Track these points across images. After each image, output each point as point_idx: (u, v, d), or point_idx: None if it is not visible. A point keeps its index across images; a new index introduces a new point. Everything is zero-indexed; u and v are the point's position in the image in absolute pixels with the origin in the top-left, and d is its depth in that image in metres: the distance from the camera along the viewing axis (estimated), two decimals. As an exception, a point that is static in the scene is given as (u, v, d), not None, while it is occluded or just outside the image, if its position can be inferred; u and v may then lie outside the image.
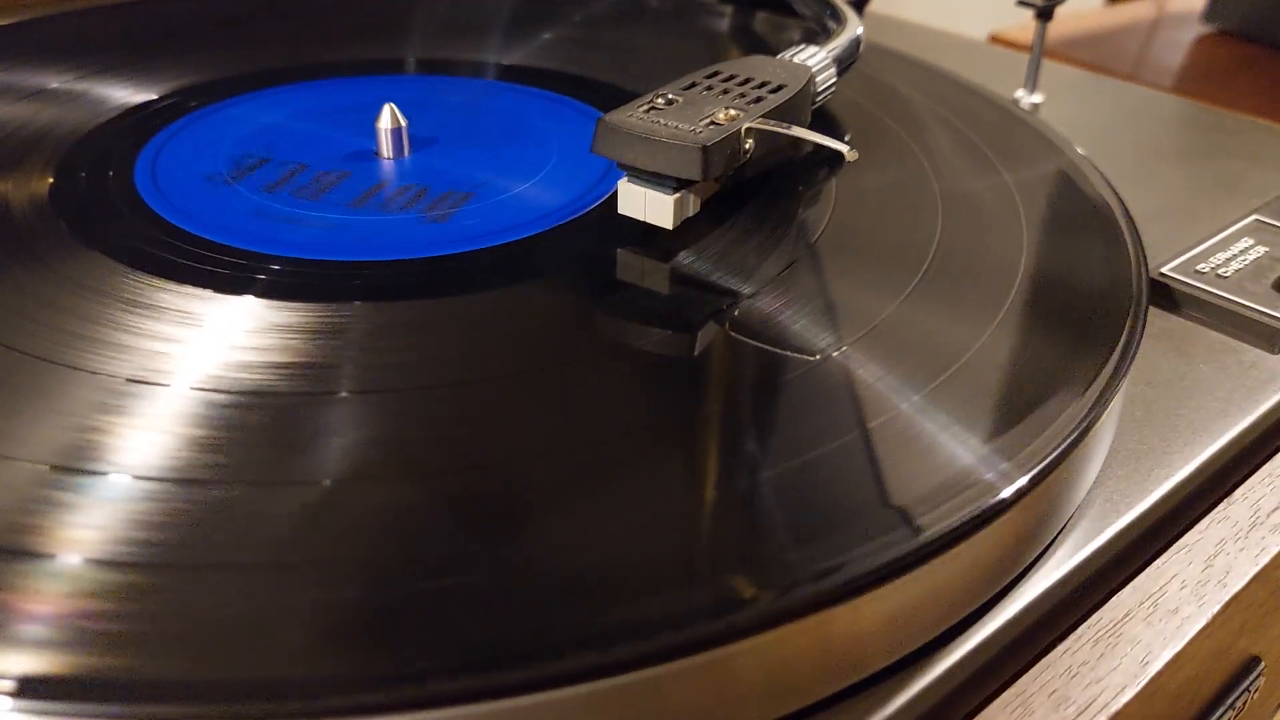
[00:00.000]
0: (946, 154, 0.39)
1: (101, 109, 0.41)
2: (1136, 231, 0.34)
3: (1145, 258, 0.33)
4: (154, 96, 0.42)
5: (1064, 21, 0.83)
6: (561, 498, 0.23)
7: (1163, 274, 0.37)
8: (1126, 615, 0.27)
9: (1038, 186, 0.37)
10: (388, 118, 0.38)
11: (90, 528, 0.22)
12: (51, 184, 0.36)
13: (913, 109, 0.43)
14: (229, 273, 0.31)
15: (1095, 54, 0.76)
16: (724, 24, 0.55)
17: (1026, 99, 0.50)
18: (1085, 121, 0.51)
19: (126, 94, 0.42)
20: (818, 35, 0.44)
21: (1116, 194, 0.37)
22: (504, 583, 0.21)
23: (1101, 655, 0.25)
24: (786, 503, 0.23)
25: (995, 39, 0.78)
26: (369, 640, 0.20)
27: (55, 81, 0.43)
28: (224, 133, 0.40)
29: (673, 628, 0.20)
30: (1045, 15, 0.48)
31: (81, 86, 0.43)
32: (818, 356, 0.28)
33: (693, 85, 0.34)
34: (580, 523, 0.23)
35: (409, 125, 0.38)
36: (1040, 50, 0.49)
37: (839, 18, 0.43)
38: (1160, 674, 0.25)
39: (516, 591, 0.21)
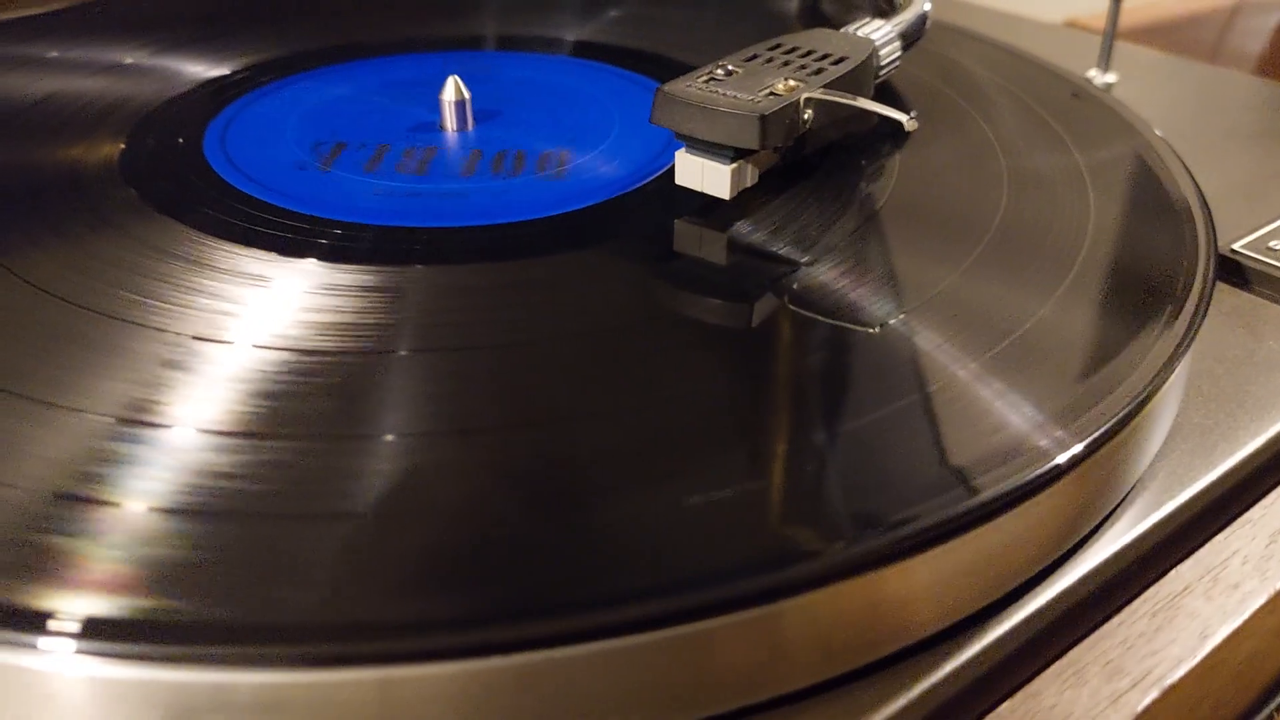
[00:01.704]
0: (1014, 129, 0.39)
1: (174, 83, 0.42)
2: (1207, 207, 0.34)
3: (1215, 233, 0.32)
4: (226, 71, 0.43)
5: (1143, 9, 0.81)
6: (622, 455, 0.24)
7: (1234, 250, 0.36)
8: (1185, 589, 0.26)
9: (1106, 161, 0.36)
10: (451, 90, 0.38)
11: (154, 478, 0.22)
12: (123, 151, 0.36)
13: (981, 86, 0.43)
14: (291, 236, 0.31)
15: (1173, 40, 0.75)
16: (795, 3, 0.55)
17: (1100, 78, 0.49)
18: (1159, 102, 0.50)
19: (199, 69, 0.43)
20: (888, 13, 0.44)
21: (1188, 170, 0.36)
22: (563, 534, 0.21)
23: (1159, 628, 0.25)
24: (841, 464, 0.23)
25: (1073, 24, 0.77)
26: (433, 586, 0.20)
27: (130, 57, 0.44)
28: (293, 105, 0.40)
29: (722, 582, 0.20)
30: (1119, -7, 0.47)
31: (154, 62, 0.44)
32: (878, 330, 0.27)
33: (754, 57, 0.34)
34: (641, 479, 0.23)
35: (472, 98, 0.39)
36: (1114, 28, 0.48)
37: (905, -8, 0.42)
38: (1219, 649, 0.25)
39: (574, 543, 0.21)
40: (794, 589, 0.21)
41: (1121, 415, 0.25)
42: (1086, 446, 0.24)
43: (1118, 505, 0.26)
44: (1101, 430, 0.24)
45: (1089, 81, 0.46)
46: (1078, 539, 0.25)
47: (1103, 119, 0.40)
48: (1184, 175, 0.36)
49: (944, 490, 0.22)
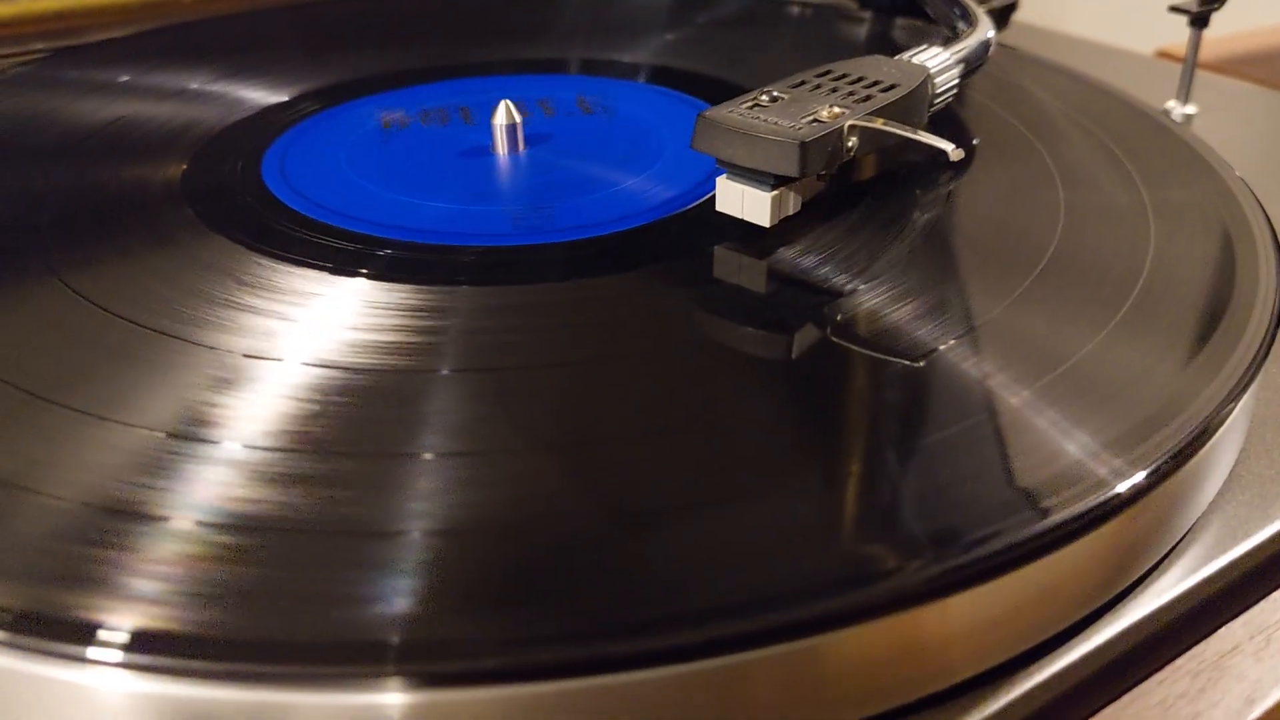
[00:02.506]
0: (1078, 161, 0.37)
1: (237, 108, 0.43)
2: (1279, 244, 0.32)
3: (1284, 271, 0.31)
4: (285, 98, 0.44)
5: (1240, 39, 0.79)
6: (661, 479, 0.23)
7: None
8: (1234, 648, 0.25)
9: (1173, 195, 0.35)
10: (503, 113, 0.38)
11: (202, 493, 0.22)
12: (184, 172, 0.37)
13: (1050, 115, 0.42)
14: (344, 255, 0.32)
15: (1272, 70, 0.72)
16: (864, 30, 0.54)
17: (1179, 110, 0.47)
18: (1243, 136, 0.48)
19: (261, 94, 0.44)
20: (951, 40, 0.43)
21: (1263, 209, 0.34)
22: (612, 556, 0.21)
23: (1202, 689, 0.24)
24: (880, 498, 0.22)
25: (1164, 54, 0.74)
26: (484, 607, 0.20)
27: (195, 82, 0.45)
28: (347, 130, 0.41)
29: (757, 614, 0.20)
30: (1200, 22, 0.45)
31: (219, 87, 0.44)
32: (921, 364, 0.26)
33: (801, 83, 0.33)
34: (677, 506, 0.22)
35: (523, 121, 0.39)
36: (1194, 58, 0.46)
37: (970, 19, 0.41)
38: (1267, 715, 0.23)
39: (624, 567, 0.21)
40: (827, 624, 0.20)
41: (1182, 446, 0.23)
42: (1148, 476, 0.23)
43: (1167, 554, 0.25)
44: (1162, 460, 0.23)
45: (1166, 114, 0.45)
46: (1123, 588, 0.24)
47: (1175, 152, 0.38)
48: (1257, 213, 0.34)
49: (996, 519, 0.21)
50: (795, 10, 0.57)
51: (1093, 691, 0.23)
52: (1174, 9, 0.45)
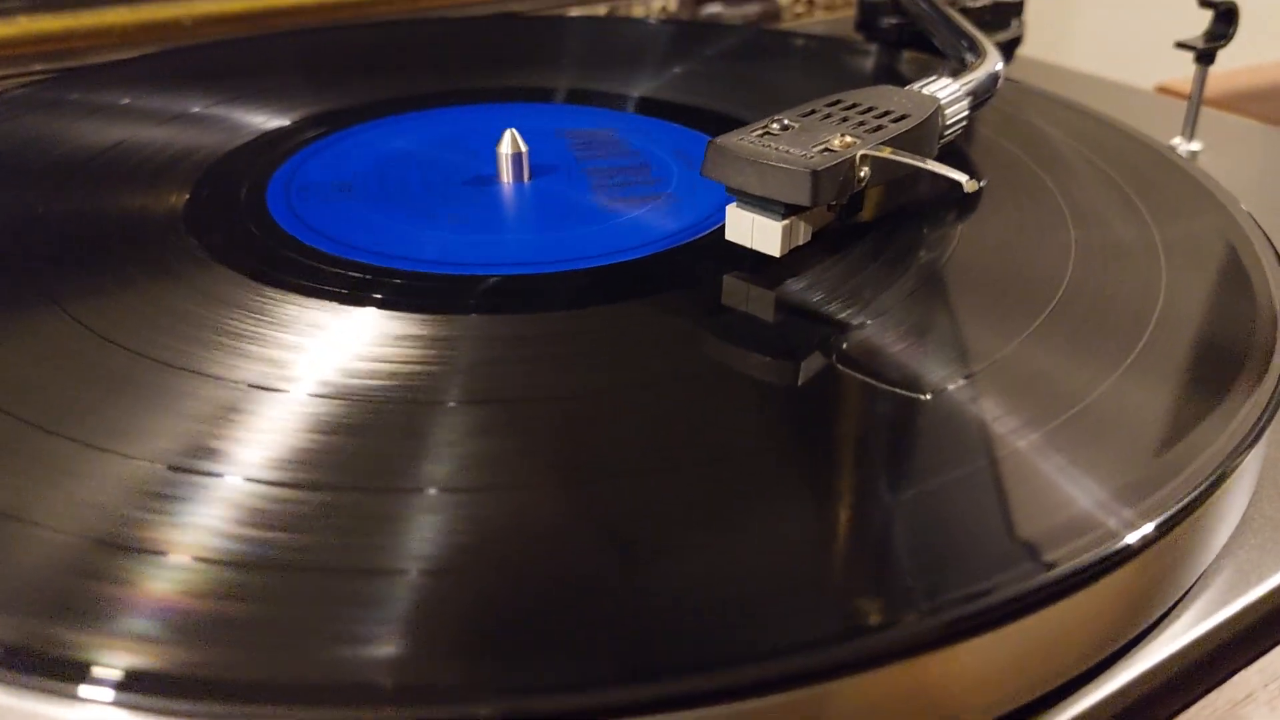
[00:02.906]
0: (1086, 196, 0.37)
1: (238, 133, 0.42)
2: (1291, 284, 0.32)
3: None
4: (286, 122, 0.43)
5: (1240, 75, 0.79)
6: (664, 517, 0.23)
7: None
8: (1248, 696, 0.24)
9: (1183, 232, 0.35)
10: (509, 143, 0.38)
11: (202, 528, 0.22)
12: (187, 202, 0.37)
13: (1057, 150, 0.41)
14: (349, 285, 0.31)
15: (1273, 107, 0.72)
16: (870, 63, 0.54)
17: (1184, 146, 0.47)
18: (1247, 171, 0.48)
19: (262, 119, 0.43)
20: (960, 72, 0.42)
21: (1272, 245, 0.34)
22: (609, 602, 0.20)
23: (1220, 737, 0.23)
24: (884, 542, 0.22)
25: (1164, 90, 0.75)
26: (476, 651, 0.20)
27: (196, 106, 0.45)
28: (354, 156, 0.40)
29: (758, 661, 0.19)
30: (1206, 59, 0.45)
31: (220, 111, 0.44)
32: (928, 396, 0.26)
33: (811, 112, 0.33)
34: (679, 545, 0.22)
35: (529, 151, 0.38)
36: (1199, 96, 0.46)
37: (978, 51, 0.41)
38: (1286, 763, 0.23)
39: (619, 613, 0.20)
40: (834, 672, 0.20)
41: (1194, 496, 0.23)
42: (1157, 527, 0.22)
43: (1179, 600, 0.25)
44: (1173, 510, 0.22)
45: (1173, 150, 0.45)
46: (1133, 635, 0.23)
47: (1183, 189, 0.38)
48: (1268, 251, 0.34)
49: (998, 570, 0.21)
50: (800, 43, 0.57)
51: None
52: (1180, 45, 0.45)
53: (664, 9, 0.71)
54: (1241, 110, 0.70)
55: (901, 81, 0.37)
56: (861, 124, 0.32)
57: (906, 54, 0.54)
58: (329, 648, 0.19)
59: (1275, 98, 0.75)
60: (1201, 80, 0.46)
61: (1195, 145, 0.47)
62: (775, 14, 0.75)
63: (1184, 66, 0.57)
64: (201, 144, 0.41)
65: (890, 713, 0.20)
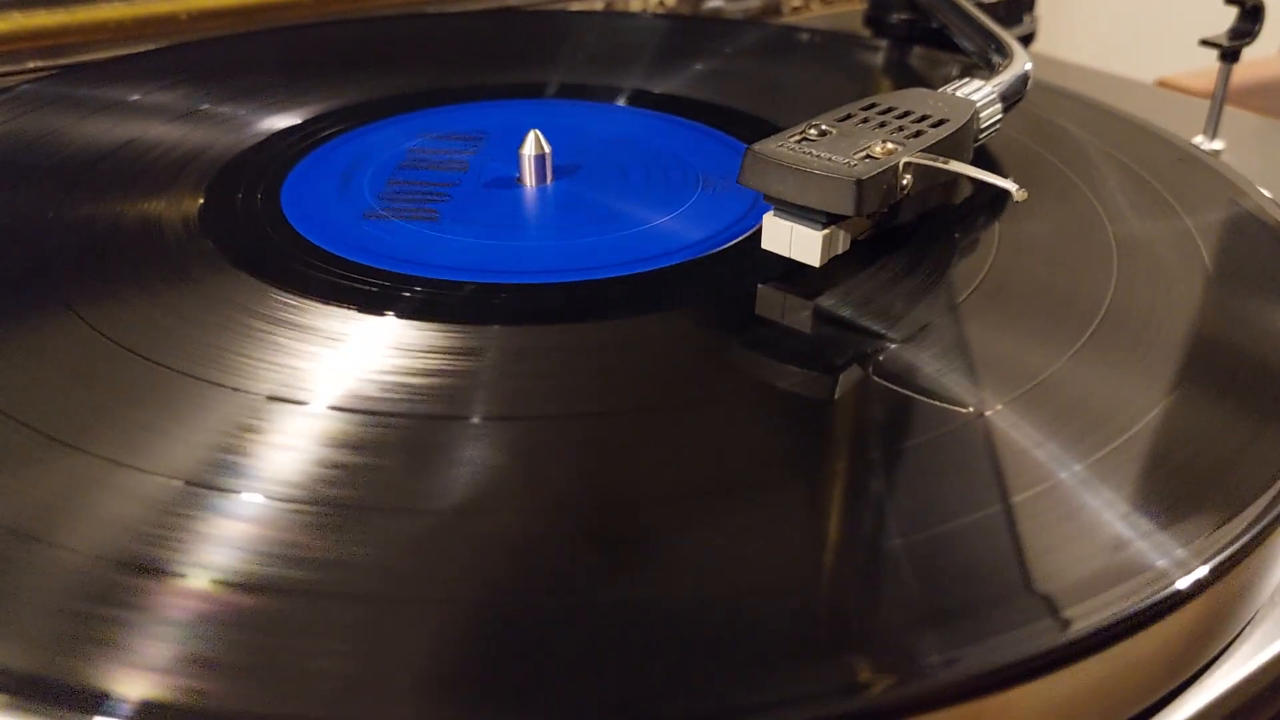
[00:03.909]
0: (1121, 199, 0.36)
1: (251, 131, 0.41)
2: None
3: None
4: (299, 121, 0.42)
5: (1237, 70, 0.78)
6: (680, 548, 0.22)
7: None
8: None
9: (1224, 237, 0.34)
10: (532, 144, 0.37)
11: (217, 548, 0.21)
12: (201, 205, 0.36)
13: (1083, 150, 0.41)
14: (369, 292, 0.30)
15: (1274, 102, 0.72)
16: (880, 59, 0.53)
17: (1207, 145, 0.47)
18: (1270, 169, 0.48)
19: (275, 118, 0.42)
20: (978, 70, 0.42)
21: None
22: (615, 640, 0.20)
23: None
24: (925, 576, 0.21)
25: (1164, 84, 0.74)
26: (470, 685, 0.19)
27: (206, 104, 0.43)
28: (369, 156, 0.39)
29: (785, 708, 0.18)
30: (1231, 57, 0.45)
31: (230, 109, 0.43)
32: (970, 409, 0.25)
33: (848, 117, 0.32)
34: (691, 580, 0.21)
35: (553, 152, 0.37)
36: (1223, 94, 0.46)
37: (1005, 51, 0.40)
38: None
39: (626, 648, 0.19)
40: (869, 718, 0.19)
41: (1252, 535, 0.22)
42: (1213, 570, 0.21)
43: (1240, 631, 0.24)
44: (1230, 550, 0.22)
45: (1196, 148, 0.44)
46: (1193, 671, 0.23)
47: (1217, 189, 0.38)
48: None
49: (1042, 617, 0.20)
50: (807, 38, 0.56)
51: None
52: (1205, 43, 0.44)
53: (661, 2, 0.70)
54: (1239, 104, 0.70)
55: (913, 77, 0.36)
56: (900, 129, 0.32)
57: (917, 50, 0.53)
58: (346, 677, 0.19)
59: (1272, 92, 0.75)
60: (1226, 77, 0.45)
61: (1218, 144, 0.46)
62: (775, 8, 0.74)
63: (1183, 61, 0.57)
64: (214, 142, 0.40)
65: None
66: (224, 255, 0.32)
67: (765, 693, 0.19)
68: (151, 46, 0.53)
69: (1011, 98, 0.37)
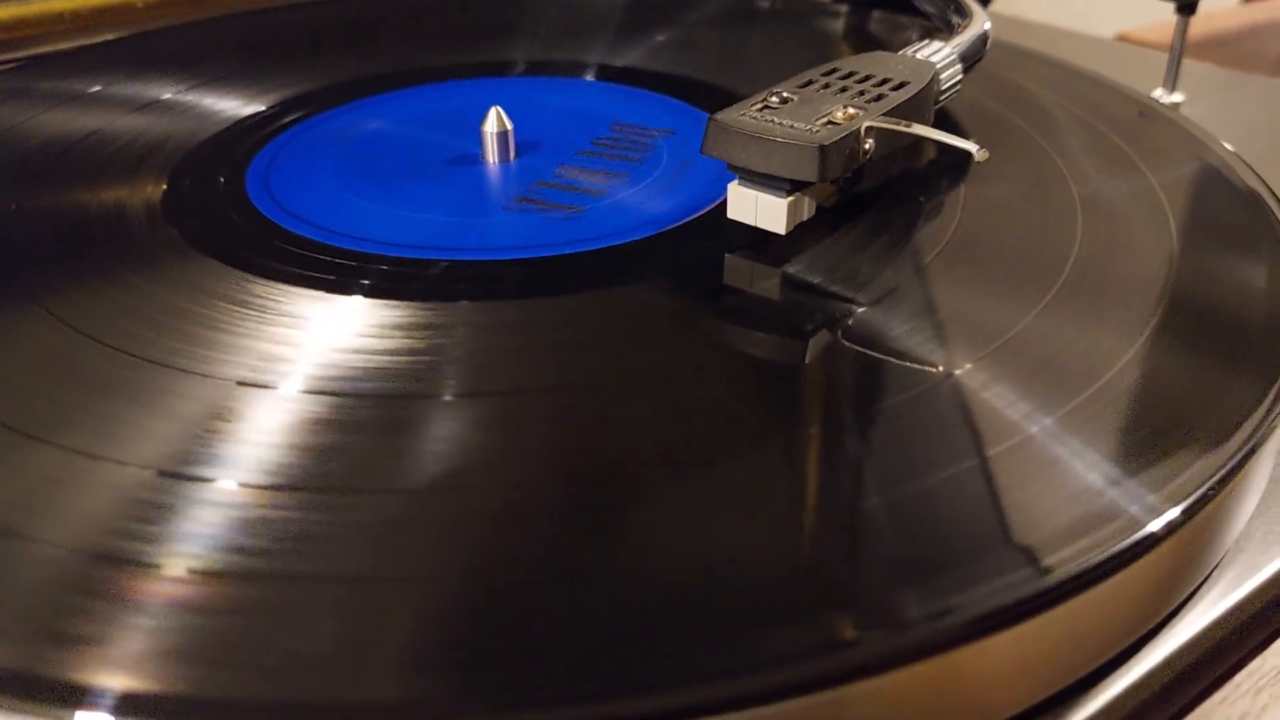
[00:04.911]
0: (1083, 155, 0.37)
1: (214, 119, 0.41)
2: (1295, 237, 0.32)
3: (1308, 265, 0.30)
4: (263, 107, 0.42)
5: (1196, 22, 0.79)
6: (662, 517, 0.22)
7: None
8: (1292, 661, 0.24)
9: (1187, 190, 0.34)
10: (494, 121, 0.37)
11: (193, 536, 0.21)
12: (165, 192, 0.35)
13: (1044, 108, 0.41)
14: (336, 273, 0.30)
15: (1232, 54, 0.72)
16: (841, 24, 0.53)
17: (1166, 97, 0.47)
18: (1230, 120, 0.48)
19: (237, 105, 0.42)
20: (938, 33, 0.42)
21: (1275, 195, 0.34)
22: (599, 608, 0.20)
23: (1265, 706, 0.23)
24: (903, 532, 0.21)
25: (1124, 38, 0.75)
26: (470, 662, 0.19)
27: (168, 93, 0.43)
28: (333, 140, 0.39)
29: (773, 667, 0.19)
30: (1188, 9, 0.45)
31: (193, 98, 0.43)
32: (939, 368, 0.26)
33: (809, 83, 0.32)
34: (678, 548, 0.21)
35: (515, 129, 0.37)
36: (1181, 47, 0.46)
37: (964, 12, 0.40)
38: (1333, 729, 0.23)
39: (608, 618, 0.20)
40: (856, 674, 0.19)
41: (1220, 476, 0.23)
42: (1184, 512, 0.22)
43: (1211, 571, 0.24)
44: (1199, 493, 0.22)
45: (1156, 101, 0.44)
46: (1168, 611, 0.23)
47: (1177, 142, 0.38)
48: (1272, 201, 0.33)
49: (1023, 565, 0.20)
50: (767, 4, 0.56)
51: (1151, 717, 0.22)
52: (1161, -4, 0.45)
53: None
54: (1202, 57, 0.70)
55: (873, 41, 0.36)
56: (861, 94, 0.32)
57: (876, 14, 0.53)
58: (329, 660, 0.19)
59: (1227, 44, 0.75)
60: (1183, 30, 0.45)
61: (1177, 96, 0.47)
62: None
63: (1142, 15, 0.57)
64: (176, 131, 0.40)
65: (917, 713, 0.20)
66: (188, 241, 0.32)
67: (749, 653, 0.19)
68: (110, 37, 0.52)
69: (971, 58, 0.37)
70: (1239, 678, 0.24)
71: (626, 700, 0.18)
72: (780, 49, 0.50)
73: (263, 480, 0.23)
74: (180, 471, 0.23)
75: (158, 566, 0.20)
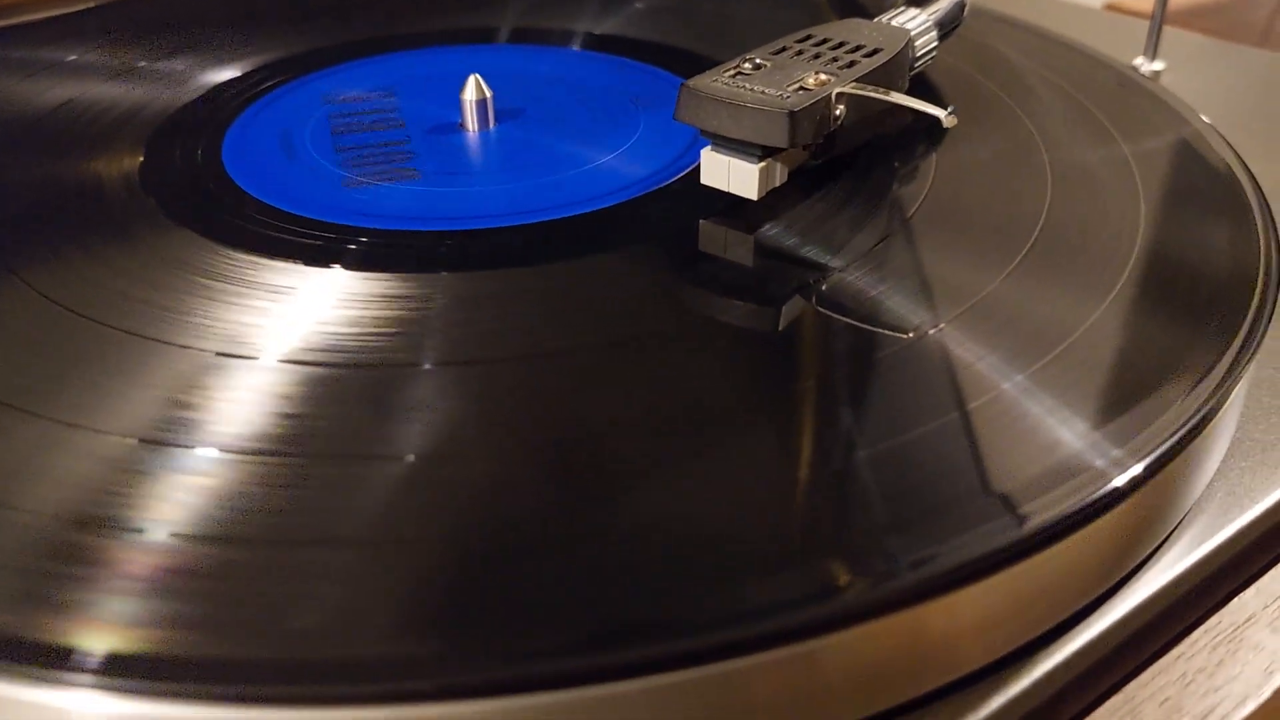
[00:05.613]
0: (1058, 122, 0.37)
1: (190, 86, 0.41)
2: (1266, 204, 0.32)
3: (1277, 231, 0.30)
4: (238, 73, 0.42)
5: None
6: (643, 477, 0.22)
7: (1295, 249, 0.34)
8: (1249, 619, 0.24)
9: (1158, 157, 0.35)
10: (473, 89, 0.37)
11: (174, 503, 0.21)
12: (141, 162, 0.35)
13: (1021, 76, 0.41)
14: (314, 245, 0.30)
15: (1219, 23, 0.72)
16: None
17: (1146, 66, 0.47)
18: (1211, 90, 0.48)
19: (213, 71, 0.42)
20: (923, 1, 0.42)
21: (1245, 164, 0.34)
22: (586, 565, 0.20)
23: (1220, 662, 0.23)
24: (879, 488, 0.22)
25: (1112, 7, 0.74)
26: (456, 621, 0.19)
27: (143, 60, 0.43)
28: (310, 107, 0.39)
29: (757, 618, 0.19)
30: (1167, -24, 0.45)
31: (169, 65, 0.43)
32: (910, 335, 0.26)
33: (782, 50, 0.32)
34: (660, 505, 0.22)
35: (494, 96, 0.37)
36: (1162, 13, 0.46)
37: (942, -21, 0.40)
38: (1287, 685, 0.23)
39: (598, 575, 0.20)
40: (829, 626, 0.19)
41: (1183, 431, 0.23)
42: (1146, 467, 0.22)
43: (1174, 529, 0.25)
44: (1163, 449, 0.22)
45: (1135, 70, 0.44)
46: (1131, 566, 0.24)
47: (1152, 111, 0.38)
48: (1241, 170, 0.34)
49: (993, 518, 0.21)
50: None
51: (1112, 669, 0.23)
52: (1142, -36, 0.45)
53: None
54: (1187, 26, 0.70)
55: (854, 9, 0.36)
56: (834, 60, 0.32)
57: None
58: (308, 622, 0.19)
59: (1218, 13, 0.75)
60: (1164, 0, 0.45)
61: (1158, 65, 0.47)
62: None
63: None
64: (152, 100, 0.40)
65: (892, 664, 0.20)
66: (166, 213, 0.32)
67: (738, 602, 0.19)
68: (84, 6, 0.52)
69: (949, 25, 0.37)
70: (1196, 634, 0.24)
71: (611, 651, 0.19)
72: (760, 14, 0.50)
73: (244, 446, 0.23)
74: (161, 439, 0.23)
75: (140, 531, 0.21)
